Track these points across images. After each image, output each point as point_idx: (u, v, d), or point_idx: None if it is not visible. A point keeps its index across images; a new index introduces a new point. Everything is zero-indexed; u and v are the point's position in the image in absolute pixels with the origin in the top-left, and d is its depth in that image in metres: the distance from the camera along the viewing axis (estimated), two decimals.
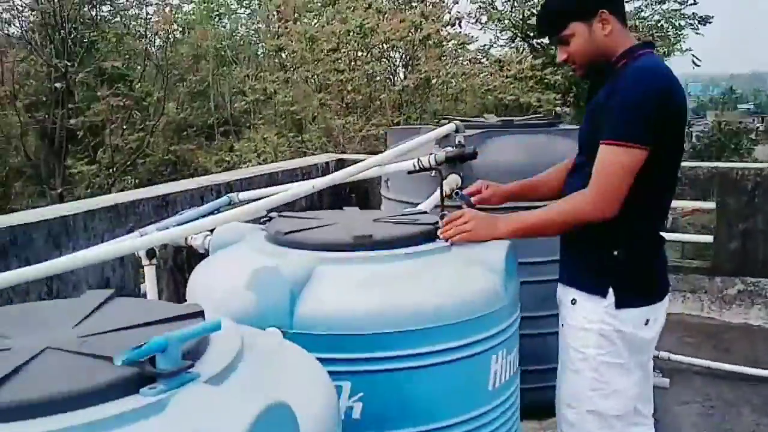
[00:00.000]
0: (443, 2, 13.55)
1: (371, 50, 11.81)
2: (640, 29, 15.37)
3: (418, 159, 2.50)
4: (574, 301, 1.95)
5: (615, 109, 1.79)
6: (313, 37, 11.93)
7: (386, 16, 11.65)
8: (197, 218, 2.24)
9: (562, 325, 2.01)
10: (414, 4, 13.30)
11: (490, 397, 1.75)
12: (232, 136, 14.45)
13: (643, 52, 1.90)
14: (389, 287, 1.67)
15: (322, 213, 2.12)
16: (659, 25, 16.04)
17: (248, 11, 17.80)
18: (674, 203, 2.37)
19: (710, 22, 16.69)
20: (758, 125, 44.02)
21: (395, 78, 12.60)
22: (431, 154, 2.52)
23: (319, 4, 16.69)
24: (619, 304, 1.87)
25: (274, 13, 15.61)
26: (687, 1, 16.10)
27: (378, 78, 12.47)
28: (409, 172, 2.50)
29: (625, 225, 1.84)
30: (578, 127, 2.23)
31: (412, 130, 3.04)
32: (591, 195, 1.82)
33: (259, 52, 16.23)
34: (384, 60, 12.35)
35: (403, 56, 12.54)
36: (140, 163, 13.48)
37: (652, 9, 15.83)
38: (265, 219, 2.03)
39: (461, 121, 2.88)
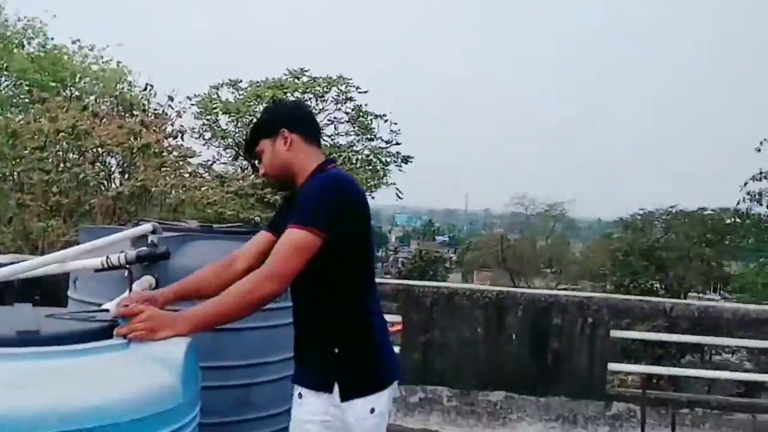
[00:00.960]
0: (166, 114, 13.57)
1: (84, 153, 11.23)
2: (353, 161, 16.89)
3: (107, 257, 2.44)
4: (300, 395, 2.15)
5: (299, 204, 2.04)
6: (15, 132, 11.03)
7: (103, 120, 11.27)
8: None
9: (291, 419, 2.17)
10: (135, 112, 13.10)
11: None
12: None
13: (331, 167, 2.19)
14: (54, 385, 1.58)
15: None
16: (369, 159, 17.76)
17: None
18: None
19: (411, 161, 18.96)
20: (452, 255, 49.74)
21: (110, 183, 12.05)
22: (122, 252, 2.48)
23: (26, 100, 15.61)
24: (344, 397, 2.04)
25: None
26: (392, 142, 18.17)
27: (91, 182, 11.82)
28: (97, 270, 2.42)
29: (339, 323, 2.07)
30: None
31: (106, 229, 2.96)
32: (262, 271, 1.97)
33: None
34: (98, 164, 11.79)
35: (120, 162, 12.11)
36: None
37: (363, 144, 17.53)
38: None
39: (160, 223, 2.89)
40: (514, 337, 5.03)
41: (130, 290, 2.43)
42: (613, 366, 5.07)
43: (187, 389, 1.83)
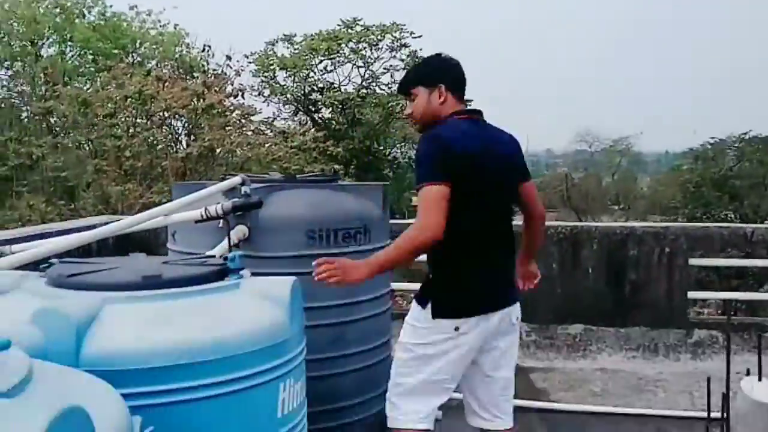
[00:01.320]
0: (225, 74, 13.77)
1: (151, 117, 11.56)
2: None
3: (206, 208, 2.58)
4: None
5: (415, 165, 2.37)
6: (86, 101, 11.42)
7: (166, 84, 11.53)
8: None
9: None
10: (195, 74, 13.34)
11: (279, 424, 1.85)
12: None
13: (452, 119, 2.41)
14: (176, 322, 1.73)
15: (108, 258, 2.11)
16: None
17: (10, 72, 16.52)
18: None
19: (470, 104, 18.68)
20: None
21: (178, 146, 12.41)
22: (218, 203, 2.62)
23: (92, 69, 16.05)
24: (434, 315, 2.34)
25: (41, 75, 14.71)
26: None
27: (159, 146, 12.19)
28: (197, 221, 2.56)
29: (435, 254, 2.34)
30: (352, 183, 2.62)
31: (198, 184, 3.10)
32: (415, 225, 2.26)
33: (23, 116, 15.06)
34: (165, 127, 12.13)
35: (186, 124, 12.43)
36: None
37: None
38: (45, 266, 1.98)
39: (246, 175, 3.01)
40: (590, 270, 5.04)
41: (229, 239, 2.57)
42: (692, 294, 5.03)
43: (294, 324, 1.96)
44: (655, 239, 4.99)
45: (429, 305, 2.35)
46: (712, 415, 3.12)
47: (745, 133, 19.46)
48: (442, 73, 2.47)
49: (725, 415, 3.03)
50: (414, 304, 2.44)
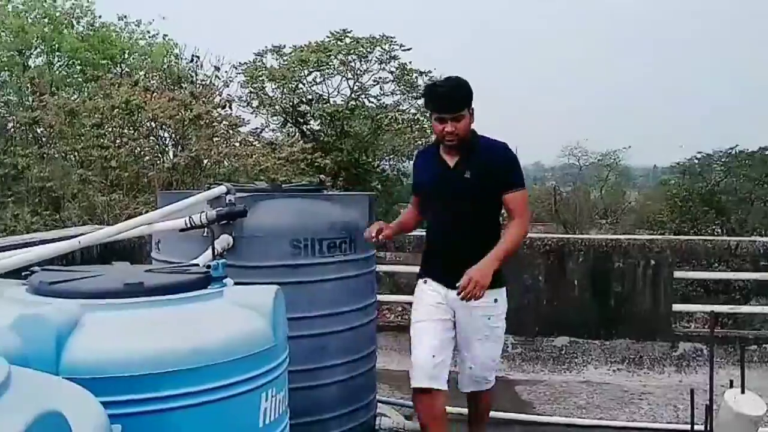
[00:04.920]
0: (213, 84, 13.75)
1: (138, 128, 11.52)
2: (400, 121, 16.83)
3: (190, 217, 2.57)
4: (495, 300, 2.94)
5: (509, 167, 2.96)
6: (73, 111, 11.37)
7: (154, 94, 11.51)
8: None
9: (489, 317, 2.95)
10: (183, 85, 13.32)
11: None
12: None
13: (481, 136, 3.00)
14: (157, 330, 1.71)
15: (90, 266, 2.10)
16: (416, 117, 17.66)
17: None
18: None
19: None
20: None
21: (164, 156, 12.36)
22: (202, 212, 2.61)
23: (80, 79, 15.99)
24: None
25: (28, 85, 14.63)
26: None
27: (146, 156, 12.14)
28: (181, 230, 2.55)
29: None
30: (338, 193, 2.65)
31: (183, 193, 3.10)
32: (524, 221, 2.97)
33: (8, 126, 14.96)
34: (152, 138, 12.09)
35: (173, 135, 12.39)
36: None
37: (409, 103, 17.43)
38: (27, 274, 1.96)
39: (231, 185, 3.01)
40: (576, 282, 5.06)
41: (213, 248, 2.56)
42: (677, 307, 5.06)
43: (277, 333, 1.95)
44: (641, 252, 5.02)
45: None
46: (696, 427, 3.13)
47: (732, 148, 19.63)
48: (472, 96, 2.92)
49: (708, 427, 3.05)
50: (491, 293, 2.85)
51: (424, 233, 3.15)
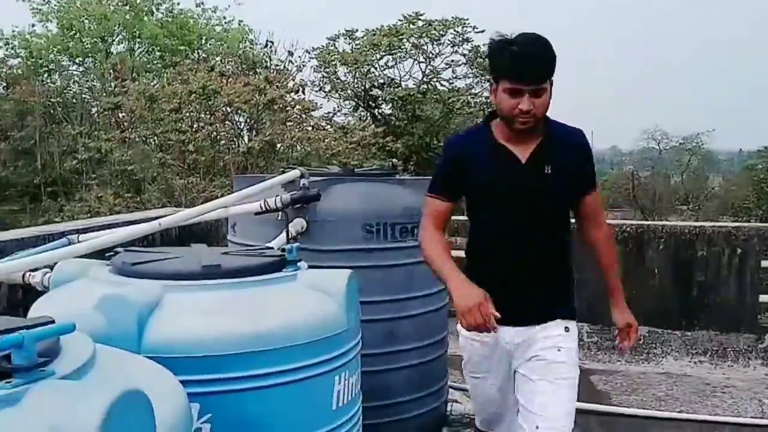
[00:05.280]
0: (287, 69, 13.93)
1: (214, 112, 11.80)
2: (472, 105, 16.63)
3: (265, 200, 2.60)
4: (567, 329, 2.22)
5: (589, 160, 2.26)
6: (152, 97, 11.75)
7: (229, 79, 11.75)
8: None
9: (559, 349, 2.18)
10: (258, 70, 13.55)
11: (334, 417, 1.84)
12: (61, 198, 13.62)
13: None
14: (235, 312, 1.74)
15: (170, 248, 2.15)
16: (489, 101, 17.41)
17: (81, 68, 17.16)
18: None
19: None
20: None
21: (239, 140, 12.63)
22: (277, 196, 2.64)
23: (159, 65, 16.50)
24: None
25: (110, 71, 15.21)
26: None
27: (222, 140, 12.44)
28: (256, 213, 2.59)
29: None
30: (410, 177, 2.52)
31: (258, 177, 3.14)
32: (609, 228, 2.42)
33: (92, 111, 15.63)
34: (228, 122, 12.37)
35: (248, 119, 12.64)
36: None
37: (482, 87, 17.19)
38: (110, 254, 2.03)
39: (305, 169, 3.03)
40: (656, 271, 4.87)
41: (287, 232, 2.58)
42: (764, 297, 4.81)
43: (350, 317, 1.95)
44: (726, 240, 4.78)
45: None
46: None
47: None
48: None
49: None
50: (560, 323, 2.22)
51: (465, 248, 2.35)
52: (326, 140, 12.85)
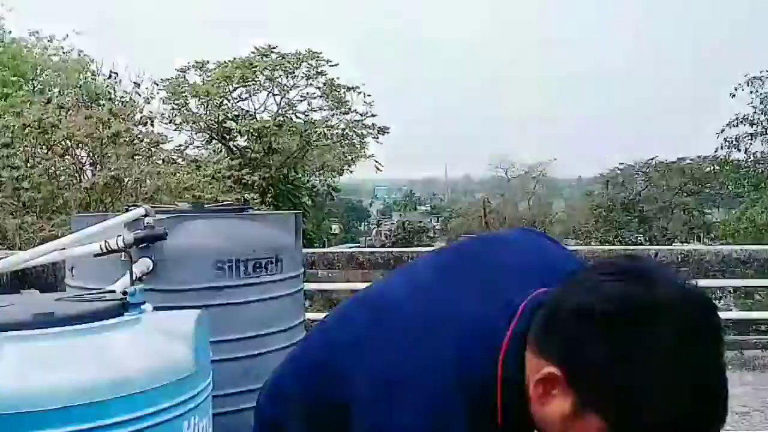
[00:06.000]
0: (134, 101, 13.40)
1: (52, 147, 11.09)
2: (329, 137, 16.83)
3: (105, 241, 2.46)
4: None
5: None
6: None
7: (69, 112, 11.12)
8: None
9: None
10: (102, 102, 12.93)
11: None
12: None
13: None
14: (70, 362, 1.62)
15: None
16: (345, 132, 17.69)
17: None
18: None
19: (388, 132, 18.83)
20: (435, 224, 49.54)
21: (81, 175, 11.92)
22: (119, 236, 2.50)
23: None
24: None
25: None
26: (367, 114, 18.00)
27: (62, 176, 11.68)
28: (96, 255, 2.44)
29: None
30: (263, 212, 2.48)
31: (99, 215, 2.97)
32: None
33: None
34: (68, 157, 11.65)
35: (90, 153, 11.97)
36: None
37: (338, 119, 17.45)
38: None
39: (151, 206, 2.90)
40: None
41: (131, 273, 2.45)
42: None
43: (199, 359, 1.87)
44: None
45: None
46: None
47: (651, 159, 20.52)
48: None
49: None
50: None
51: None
52: (177, 174, 12.46)
